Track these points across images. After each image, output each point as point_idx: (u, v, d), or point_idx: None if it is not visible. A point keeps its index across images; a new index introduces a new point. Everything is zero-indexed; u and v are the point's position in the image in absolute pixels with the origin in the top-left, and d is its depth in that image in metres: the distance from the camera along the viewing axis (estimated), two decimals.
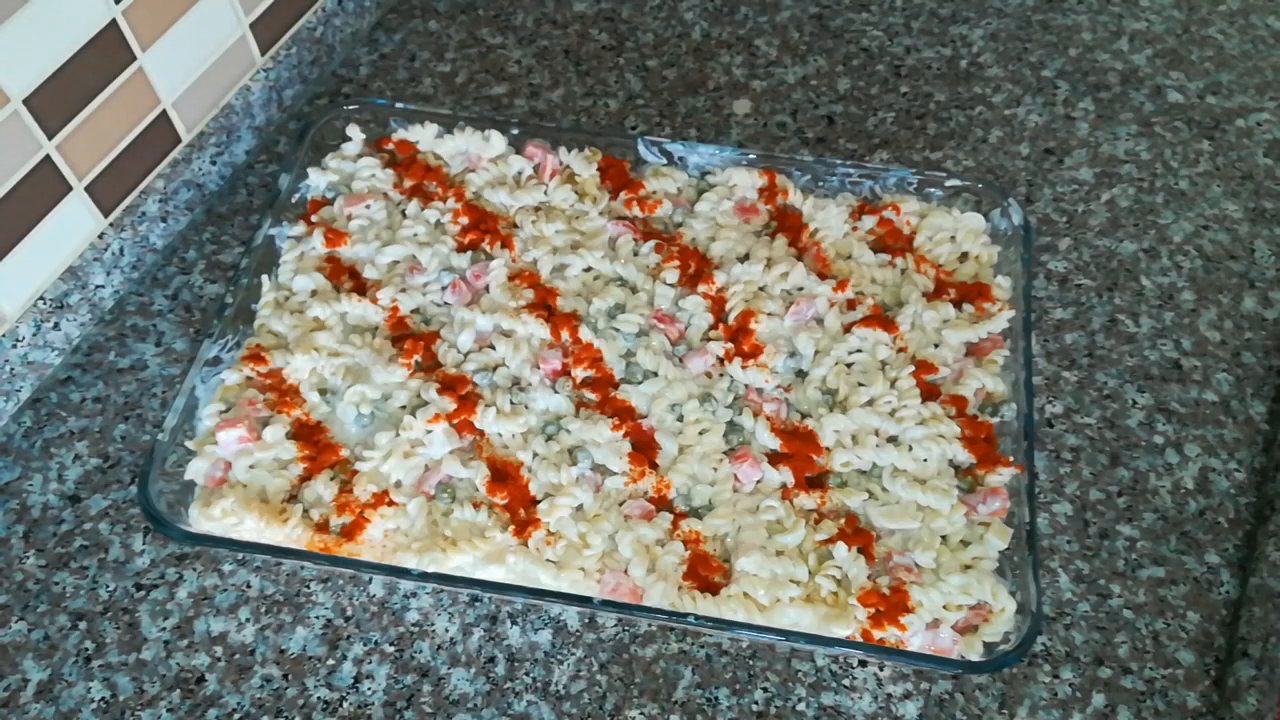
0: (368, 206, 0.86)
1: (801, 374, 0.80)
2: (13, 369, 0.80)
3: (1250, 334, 0.87)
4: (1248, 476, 0.80)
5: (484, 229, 0.86)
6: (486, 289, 0.83)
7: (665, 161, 0.90)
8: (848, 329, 0.81)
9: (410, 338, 0.80)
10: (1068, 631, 0.73)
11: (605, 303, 0.82)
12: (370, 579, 0.74)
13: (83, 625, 0.72)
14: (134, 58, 0.82)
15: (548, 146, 0.90)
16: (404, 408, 0.76)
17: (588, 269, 0.84)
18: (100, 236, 0.84)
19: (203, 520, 0.71)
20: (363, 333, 0.81)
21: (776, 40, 1.08)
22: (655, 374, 0.79)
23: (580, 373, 0.78)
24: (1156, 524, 0.77)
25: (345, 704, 0.69)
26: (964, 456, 0.74)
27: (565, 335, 0.80)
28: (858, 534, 0.71)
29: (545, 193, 0.88)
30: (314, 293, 0.82)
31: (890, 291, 0.84)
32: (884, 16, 1.10)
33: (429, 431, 0.74)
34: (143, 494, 0.69)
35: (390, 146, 0.91)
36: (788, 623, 0.67)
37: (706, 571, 0.70)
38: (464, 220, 0.86)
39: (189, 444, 0.73)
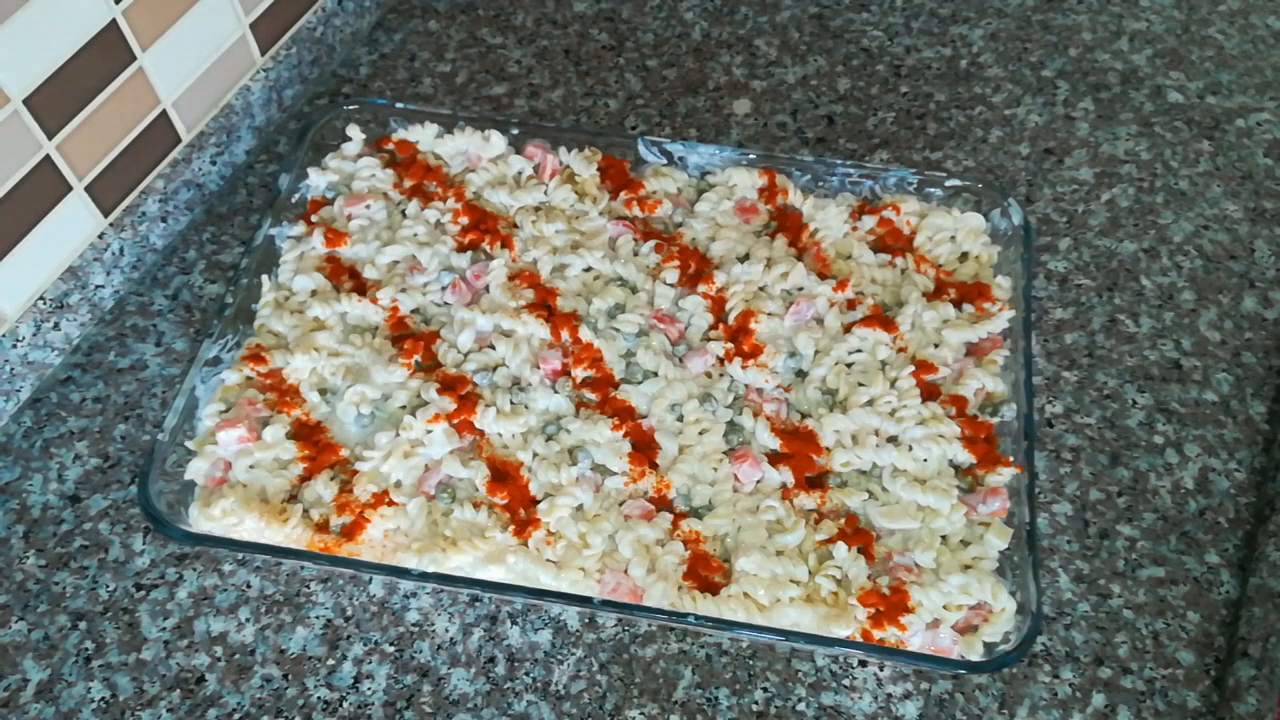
0: (368, 206, 0.86)
1: (801, 374, 0.80)
2: (13, 369, 0.80)
3: (1250, 334, 0.87)
4: (1248, 476, 0.80)
5: (484, 229, 0.86)
6: (486, 289, 0.83)
7: (665, 161, 0.90)
8: (848, 329, 0.81)
9: (410, 338, 0.80)
10: (1068, 631, 0.73)
11: (605, 303, 0.82)
12: (370, 579, 0.74)
13: (83, 625, 0.72)
14: (134, 58, 0.82)
15: (548, 146, 0.90)
16: (404, 408, 0.76)
17: (588, 269, 0.84)
18: (100, 236, 0.84)
19: (203, 520, 0.71)
20: (363, 333, 0.81)
21: (776, 40, 1.08)
22: (655, 374, 0.79)
23: (580, 373, 0.78)
24: (1156, 524, 0.77)
25: (345, 704, 0.69)
26: (964, 456, 0.74)
27: (565, 335, 0.80)
28: (858, 534, 0.71)
29: (545, 193, 0.88)
30: (314, 293, 0.82)
31: (890, 291, 0.84)
32: (884, 16, 1.10)
33: (429, 431, 0.74)
34: (143, 494, 0.69)
35: (390, 146, 0.91)
36: (788, 623, 0.67)
37: (706, 571, 0.70)
38: (464, 220, 0.86)
39: (189, 444, 0.73)
